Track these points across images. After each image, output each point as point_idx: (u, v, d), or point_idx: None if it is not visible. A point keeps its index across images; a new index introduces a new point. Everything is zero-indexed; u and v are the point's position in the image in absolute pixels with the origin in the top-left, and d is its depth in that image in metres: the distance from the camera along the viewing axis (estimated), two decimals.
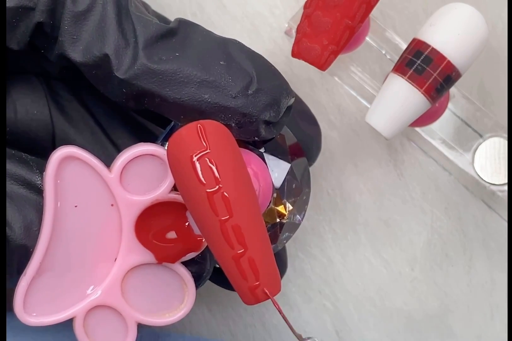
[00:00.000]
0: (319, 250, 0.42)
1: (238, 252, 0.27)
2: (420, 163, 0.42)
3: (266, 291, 0.27)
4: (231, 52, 0.30)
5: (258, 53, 0.31)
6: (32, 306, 0.30)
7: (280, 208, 0.33)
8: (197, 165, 0.27)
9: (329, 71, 0.39)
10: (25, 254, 0.30)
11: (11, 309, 0.30)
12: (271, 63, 0.31)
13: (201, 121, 0.27)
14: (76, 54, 0.30)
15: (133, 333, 0.31)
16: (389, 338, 0.43)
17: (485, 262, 0.42)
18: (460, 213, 0.42)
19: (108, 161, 0.30)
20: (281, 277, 0.37)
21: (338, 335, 0.43)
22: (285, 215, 0.33)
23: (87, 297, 0.30)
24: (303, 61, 0.34)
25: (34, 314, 0.30)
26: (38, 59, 0.32)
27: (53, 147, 0.33)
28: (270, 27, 0.41)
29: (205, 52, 0.30)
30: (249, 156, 0.32)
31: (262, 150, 0.33)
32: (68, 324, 0.31)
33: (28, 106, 0.32)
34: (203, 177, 0.27)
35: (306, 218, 0.42)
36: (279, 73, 0.31)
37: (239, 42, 0.31)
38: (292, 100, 0.32)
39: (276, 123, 0.31)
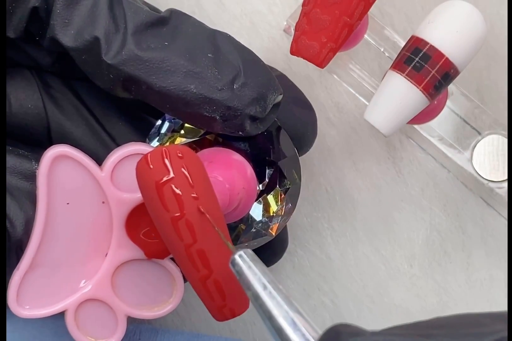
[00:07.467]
0: (318, 247, 0.43)
1: (204, 274, 0.27)
2: (419, 161, 0.42)
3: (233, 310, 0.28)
4: (220, 45, 0.31)
5: (247, 48, 0.32)
6: (25, 299, 0.30)
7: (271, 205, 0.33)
8: (162, 191, 0.27)
9: (327, 68, 0.39)
10: (21, 248, 0.30)
11: None
12: (260, 59, 0.32)
13: (167, 146, 0.27)
14: (67, 38, 0.30)
15: (122, 325, 0.32)
16: None
17: (483, 258, 0.42)
18: (459, 210, 0.42)
19: (105, 153, 0.30)
20: (283, 252, 0.37)
21: None
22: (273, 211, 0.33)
23: (78, 291, 0.31)
24: (302, 59, 0.34)
25: (27, 306, 0.31)
26: (31, 52, 0.32)
27: (49, 140, 0.33)
28: (269, 25, 0.41)
29: (194, 43, 0.30)
30: (232, 157, 0.32)
31: (245, 146, 0.33)
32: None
33: (22, 100, 0.32)
34: (167, 203, 0.27)
35: (305, 215, 0.42)
36: (268, 68, 0.32)
37: (229, 36, 0.31)
38: (280, 97, 0.32)
39: (262, 120, 0.31)
